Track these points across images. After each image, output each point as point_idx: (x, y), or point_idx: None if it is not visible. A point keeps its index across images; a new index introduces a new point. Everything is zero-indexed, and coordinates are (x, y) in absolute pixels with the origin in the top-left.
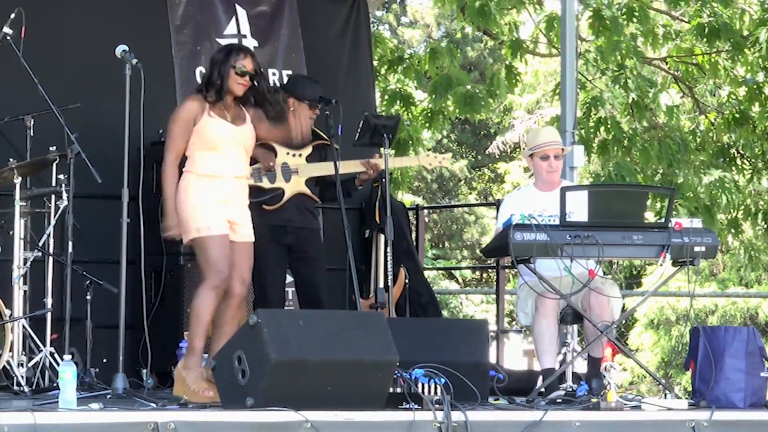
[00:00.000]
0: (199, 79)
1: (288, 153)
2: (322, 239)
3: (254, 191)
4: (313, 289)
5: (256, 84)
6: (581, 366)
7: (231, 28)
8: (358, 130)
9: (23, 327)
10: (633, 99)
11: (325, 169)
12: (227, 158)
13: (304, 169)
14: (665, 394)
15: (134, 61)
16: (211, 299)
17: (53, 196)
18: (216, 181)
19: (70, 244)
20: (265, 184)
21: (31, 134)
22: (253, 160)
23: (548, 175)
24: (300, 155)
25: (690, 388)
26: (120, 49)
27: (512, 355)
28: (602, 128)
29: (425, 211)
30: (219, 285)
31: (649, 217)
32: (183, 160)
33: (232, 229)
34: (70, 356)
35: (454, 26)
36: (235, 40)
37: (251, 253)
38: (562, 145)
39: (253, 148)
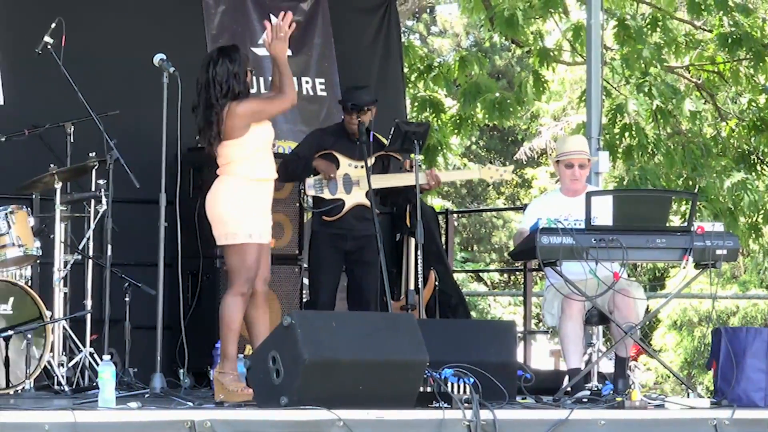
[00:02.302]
0: None
1: (350, 164)
2: (377, 245)
3: (315, 202)
4: (364, 292)
5: None
6: (606, 366)
7: (264, 37)
8: (390, 137)
9: (63, 328)
10: (657, 106)
11: (386, 181)
12: (271, 161)
13: (365, 181)
14: (688, 394)
15: (171, 69)
16: (238, 305)
17: (93, 201)
18: (263, 186)
19: (109, 247)
20: (326, 195)
21: (71, 140)
22: (315, 171)
23: (572, 183)
24: (362, 167)
25: (712, 388)
26: (158, 57)
27: (539, 355)
28: (627, 134)
29: (454, 215)
30: (246, 292)
31: (674, 220)
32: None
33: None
34: (109, 356)
35: (482, 35)
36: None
37: (269, 251)
38: (589, 155)
39: (315, 159)
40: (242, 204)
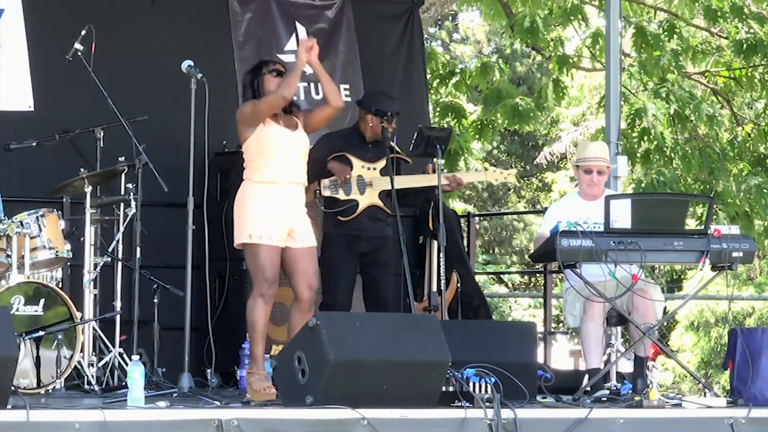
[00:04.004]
0: None
1: (363, 166)
2: (391, 246)
3: (330, 202)
4: (380, 293)
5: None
6: (625, 365)
7: (291, 44)
8: (413, 141)
9: (93, 329)
10: (674, 111)
11: (398, 182)
12: (284, 164)
13: (378, 182)
14: (705, 393)
15: (199, 75)
16: (260, 307)
17: (122, 204)
18: (274, 188)
19: (138, 249)
20: (341, 196)
21: (101, 145)
22: (330, 173)
23: (589, 188)
24: (374, 168)
25: (728, 387)
26: (186, 64)
27: (559, 355)
28: (645, 139)
29: (476, 218)
30: (265, 293)
31: (691, 223)
32: (242, 169)
33: (291, 237)
34: (138, 356)
35: (503, 42)
36: (293, 56)
37: (314, 256)
38: (608, 162)
39: (329, 161)
40: (244, 206)
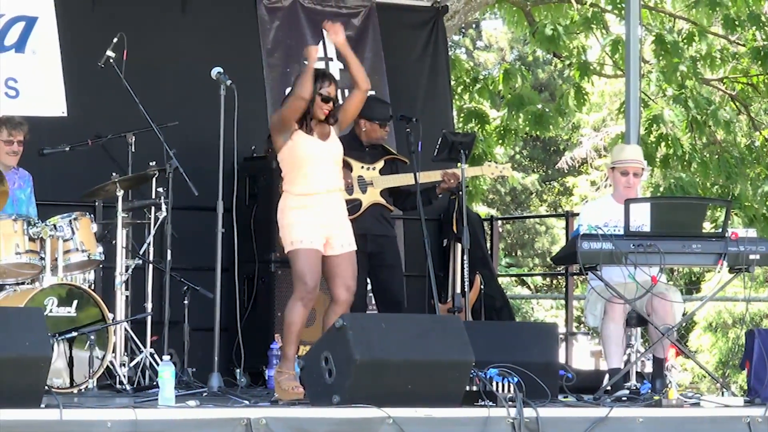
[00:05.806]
0: None
1: (363, 167)
2: (398, 246)
3: None
4: (392, 293)
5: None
6: (645, 366)
7: (319, 52)
8: (437, 146)
9: (125, 330)
10: (692, 117)
11: (398, 180)
12: (318, 175)
13: (378, 181)
14: (722, 392)
15: (228, 82)
16: (298, 310)
17: (153, 208)
18: (311, 199)
19: (169, 252)
20: (344, 195)
21: (133, 150)
22: None
23: (625, 190)
24: (374, 168)
25: (746, 387)
26: (215, 71)
27: (580, 355)
28: (663, 144)
29: (499, 221)
30: (305, 297)
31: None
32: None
33: (329, 245)
34: (168, 357)
35: (526, 50)
36: (322, 63)
37: (354, 261)
38: (643, 165)
39: None
40: (285, 218)
